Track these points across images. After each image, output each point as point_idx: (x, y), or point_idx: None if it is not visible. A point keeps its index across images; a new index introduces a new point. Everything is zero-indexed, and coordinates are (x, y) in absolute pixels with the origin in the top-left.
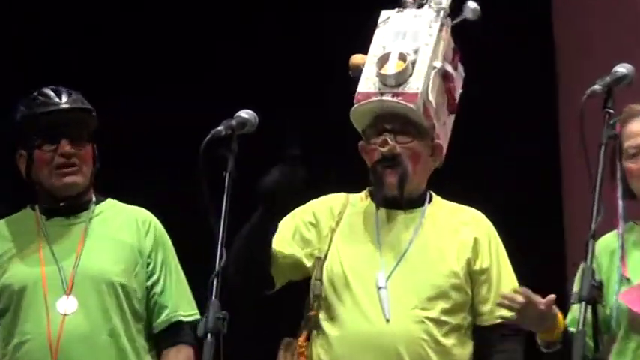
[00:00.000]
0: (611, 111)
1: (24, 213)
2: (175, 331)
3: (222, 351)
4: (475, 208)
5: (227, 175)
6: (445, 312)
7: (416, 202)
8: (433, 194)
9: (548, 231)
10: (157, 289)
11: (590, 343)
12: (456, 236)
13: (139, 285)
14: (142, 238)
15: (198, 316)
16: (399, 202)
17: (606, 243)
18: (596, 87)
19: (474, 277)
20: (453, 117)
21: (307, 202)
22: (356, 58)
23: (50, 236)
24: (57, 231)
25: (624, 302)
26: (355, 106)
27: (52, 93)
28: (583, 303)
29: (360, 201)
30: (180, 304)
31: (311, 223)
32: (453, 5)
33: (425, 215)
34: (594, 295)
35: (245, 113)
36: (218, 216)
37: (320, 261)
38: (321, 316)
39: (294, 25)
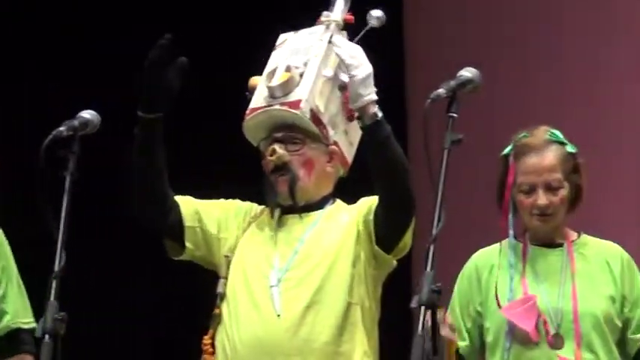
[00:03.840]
0: (455, 115)
1: None
2: (16, 339)
3: (61, 353)
4: None
5: (68, 176)
6: None
7: (313, 207)
8: (338, 200)
9: None
10: None
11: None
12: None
13: None
14: None
15: (35, 325)
16: (294, 208)
17: (487, 257)
18: (441, 91)
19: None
20: (356, 124)
21: None
22: (254, 80)
23: None
24: None
25: (507, 316)
26: (245, 120)
27: None
28: (423, 308)
29: (263, 213)
30: (20, 311)
31: (235, 214)
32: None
33: (323, 216)
34: (434, 300)
35: (88, 114)
36: (58, 218)
37: (227, 259)
38: (224, 313)
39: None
